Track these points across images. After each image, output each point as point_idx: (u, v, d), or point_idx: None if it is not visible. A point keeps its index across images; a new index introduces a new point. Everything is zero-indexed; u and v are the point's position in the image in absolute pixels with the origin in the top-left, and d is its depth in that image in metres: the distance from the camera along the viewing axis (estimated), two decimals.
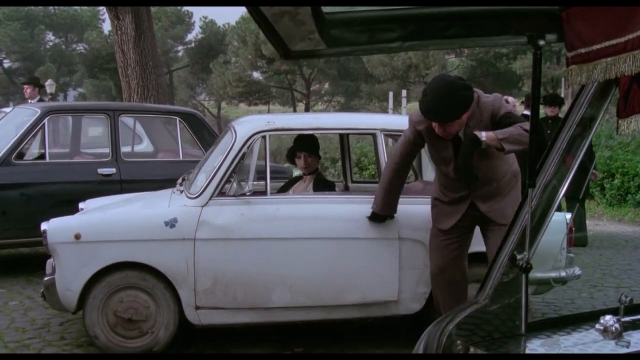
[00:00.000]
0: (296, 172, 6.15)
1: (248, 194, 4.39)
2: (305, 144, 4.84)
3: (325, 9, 1.93)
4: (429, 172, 5.54)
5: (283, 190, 4.99)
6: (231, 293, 4.30)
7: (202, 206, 4.31)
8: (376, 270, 4.38)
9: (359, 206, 4.39)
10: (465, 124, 3.82)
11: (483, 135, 3.74)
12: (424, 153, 5.49)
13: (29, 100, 8.98)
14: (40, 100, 9.17)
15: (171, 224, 4.27)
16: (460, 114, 3.74)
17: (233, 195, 4.37)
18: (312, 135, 4.84)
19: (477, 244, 4.37)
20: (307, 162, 4.83)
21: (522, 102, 9.54)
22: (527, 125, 3.58)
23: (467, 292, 4.16)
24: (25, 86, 9.33)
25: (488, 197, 3.98)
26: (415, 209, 4.40)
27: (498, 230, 3.85)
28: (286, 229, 4.32)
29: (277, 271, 4.32)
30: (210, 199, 4.32)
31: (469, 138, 3.78)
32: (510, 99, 9.17)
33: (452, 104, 3.69)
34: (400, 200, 4.37)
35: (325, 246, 4.34)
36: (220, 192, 4.35)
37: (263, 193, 4.45)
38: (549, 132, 7.65)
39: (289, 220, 4.35)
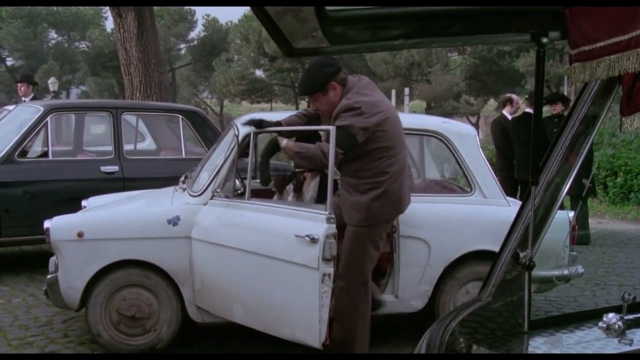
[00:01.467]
0: None
1: (228, 195, 4.21)
2: (305, 141, 4.65)
3: (329, 7, 1.93)
4: (432, 170, 5.54)
5: (280, 187, 4.83)
6: (211, 298, 4.24)
7: (205, 204, 4.30)
8: (299, 304, 3.70)
9: (301, 221, 3.73)
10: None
11: (284, 142, 3.92)
12: (426, 151, 5.48)
13: (23, 98, 8.95)
14: (35, 98, 9.14)
15: (174, 222, 4.27)
16: (317, 87, 3.89)
17: (227, 196, 4.24)
18: (314, 133, 4.67)
19: (478, 242, 4.37)
20: None
21: (526, 100, 9.54)
22: (327, 147, 3.64)
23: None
24: (19, 84, 9.29)
25: (343, 189, 4.04)
26: (416, 206, 4.36)
27: (348, 230, 3.94)
28: (240, 239, 4.00)
29: (236, 285, 4.06)
30: (212, 197, 4.30)
31: (272, 140, 3.99)
32: (514, 97, 9.17)
33: (309, 76, 3.97)
34: None
35: (260, 263, 3.88)
36: (224, 191, 4.29)
37: (260, 194, 4.30)
38: (555, 130, 7.63)
39: (245, 229, 4.01)
